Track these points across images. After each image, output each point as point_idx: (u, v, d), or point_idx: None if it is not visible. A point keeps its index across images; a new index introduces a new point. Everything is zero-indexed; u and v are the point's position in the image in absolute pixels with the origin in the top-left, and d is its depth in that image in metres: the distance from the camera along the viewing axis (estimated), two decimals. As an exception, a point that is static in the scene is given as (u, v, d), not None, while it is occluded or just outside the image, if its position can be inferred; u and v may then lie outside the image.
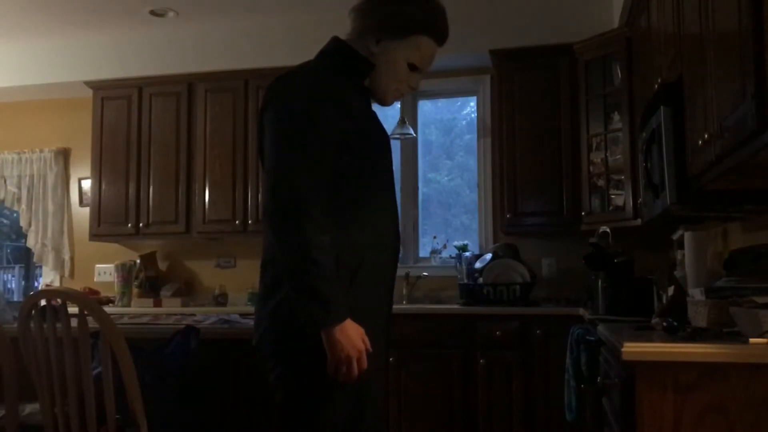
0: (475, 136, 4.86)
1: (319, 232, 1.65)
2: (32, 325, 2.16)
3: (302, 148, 1.69)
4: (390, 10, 1.86)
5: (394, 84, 1.91)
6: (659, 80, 2.78)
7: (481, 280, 4.17)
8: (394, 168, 1.97)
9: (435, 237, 4.88)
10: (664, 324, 1.89)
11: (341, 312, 1.65)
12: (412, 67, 1.90)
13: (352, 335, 1.65)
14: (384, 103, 1.95)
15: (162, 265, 5.12)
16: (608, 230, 3.45)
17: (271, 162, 1.72)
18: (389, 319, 1.93)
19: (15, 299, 5.83)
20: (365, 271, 1.77)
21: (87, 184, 5.25)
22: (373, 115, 1.94)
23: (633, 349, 1.60)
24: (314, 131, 1.71)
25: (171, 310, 4.16)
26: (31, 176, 5.45)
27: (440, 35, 1.91)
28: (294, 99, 1.76)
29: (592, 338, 2.76)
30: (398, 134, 4.62)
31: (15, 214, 5.72)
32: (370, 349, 1.70)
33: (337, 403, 1.73)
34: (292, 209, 1.65)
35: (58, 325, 2.12)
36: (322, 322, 1.64)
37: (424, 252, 4.88)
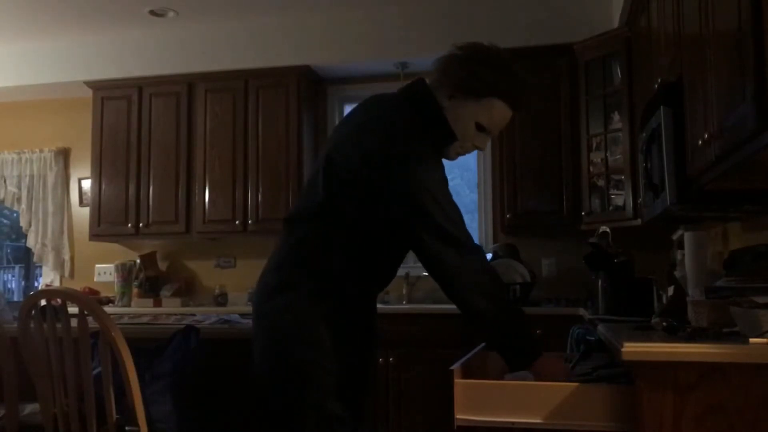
0: (475, 136, 4.85)
1: None
2: (32, 325, 2.16)
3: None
4: (468, 71, 1.91)
5: (459, 141, 1.96)
6: (659, 80, 2.78)
7: (481, 280, 4.16)
8: None
9: (435, 237, 4.87)
10: (664, 324, 1.88)
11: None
12: (479, 128, 1.95)
13: None
14: (447, 157, 2.01)
15: (162, 265, 5.12)
16: (608, 230, 3.44)
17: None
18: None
19: (15, 299, 5.83)
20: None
21: (87, 184, 5.25)
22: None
23: (633, 349, 1.59)
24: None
25: (171, 310, 4.16)
26: (31, 176, 5.45)
27: (515, 102, 1.96)
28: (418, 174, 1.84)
29: (592, 338, 2.76)
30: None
31: (15, 214, 5.72)
32: None
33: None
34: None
35: (58, 325, 2.12)
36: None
37: (424, 252, 4.87)
